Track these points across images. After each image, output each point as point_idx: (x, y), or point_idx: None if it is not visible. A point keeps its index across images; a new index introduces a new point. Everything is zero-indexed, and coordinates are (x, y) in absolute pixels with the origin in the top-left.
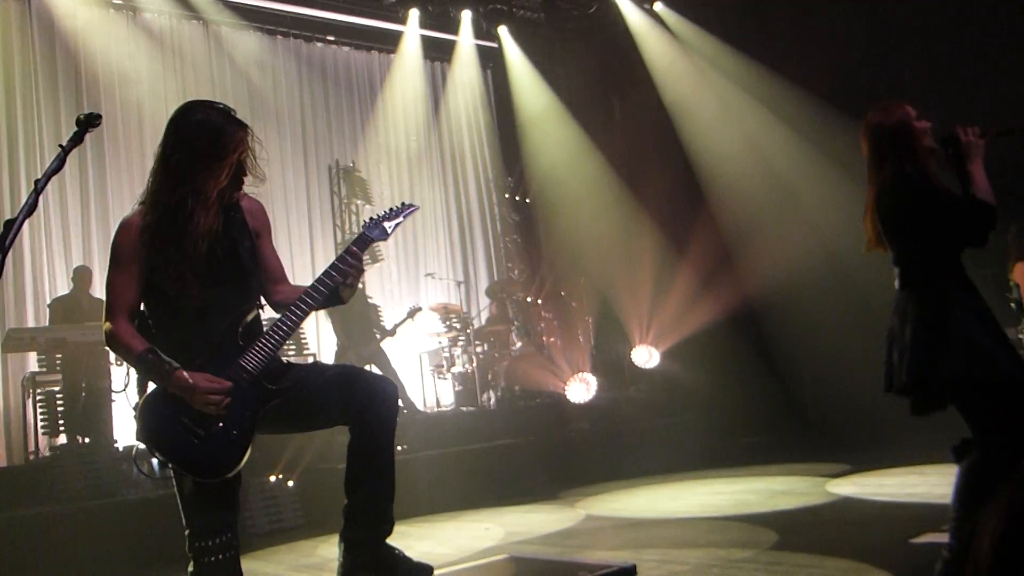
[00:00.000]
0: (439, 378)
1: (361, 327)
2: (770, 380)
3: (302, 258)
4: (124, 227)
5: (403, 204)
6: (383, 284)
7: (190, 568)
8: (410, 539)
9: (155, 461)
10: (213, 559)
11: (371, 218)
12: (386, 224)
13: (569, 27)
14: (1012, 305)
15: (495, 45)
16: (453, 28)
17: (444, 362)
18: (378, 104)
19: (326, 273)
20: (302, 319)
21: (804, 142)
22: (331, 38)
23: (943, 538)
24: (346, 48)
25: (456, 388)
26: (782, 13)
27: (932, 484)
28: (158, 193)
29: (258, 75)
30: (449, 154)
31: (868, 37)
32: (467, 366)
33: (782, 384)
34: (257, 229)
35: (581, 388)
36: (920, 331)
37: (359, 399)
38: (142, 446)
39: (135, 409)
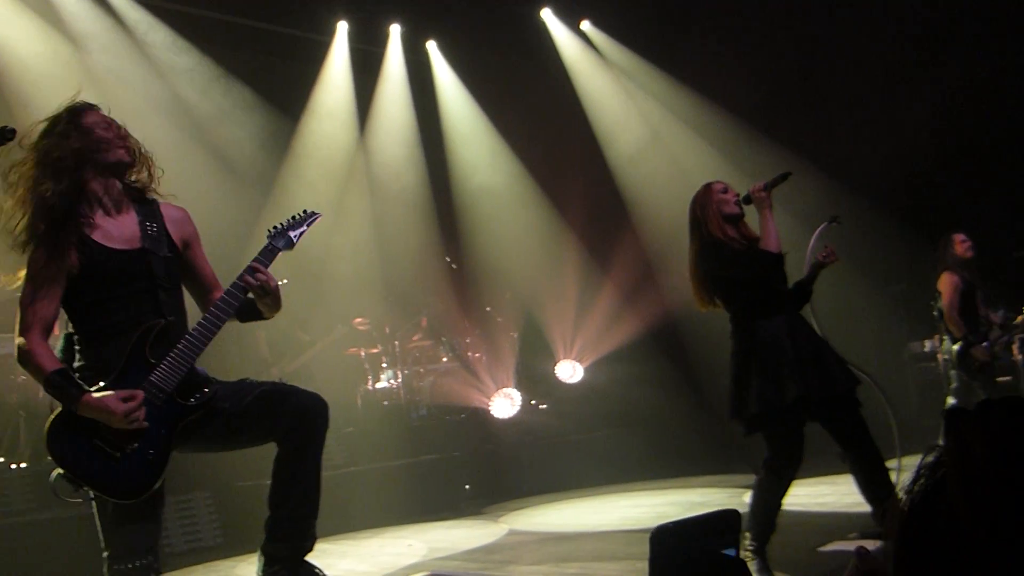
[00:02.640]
0: (363, 393)
1: (285, 344)
2: (690, 394)
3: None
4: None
5: (306, 212)
6: (309, 301)
7: None
8: (331, 557)
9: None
10: None
11: (275, 227)
12: (291, 234)
13: (497, 43)
14: (935, 313)
15: (423, 60)
16: (381, 42)
17: (369, 378)
18: (303, 118)
19: (234, 285)
20: (213, 333)
21: (725, 161)
22: (257, 47)
23: (849, 546)
24: (272, 59)
25: (382, 403)
26: (707, 35)
27: (842, 494)
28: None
29: (177, 83)
30: (375, 168)
31: (790, 58)
32: (392, 382)
33: (701, 398)
34: (184, 239)
35: (505, 403)
36: (733, 369)
37: (290, 415)
38: (59, 471)
39: (45, 433)
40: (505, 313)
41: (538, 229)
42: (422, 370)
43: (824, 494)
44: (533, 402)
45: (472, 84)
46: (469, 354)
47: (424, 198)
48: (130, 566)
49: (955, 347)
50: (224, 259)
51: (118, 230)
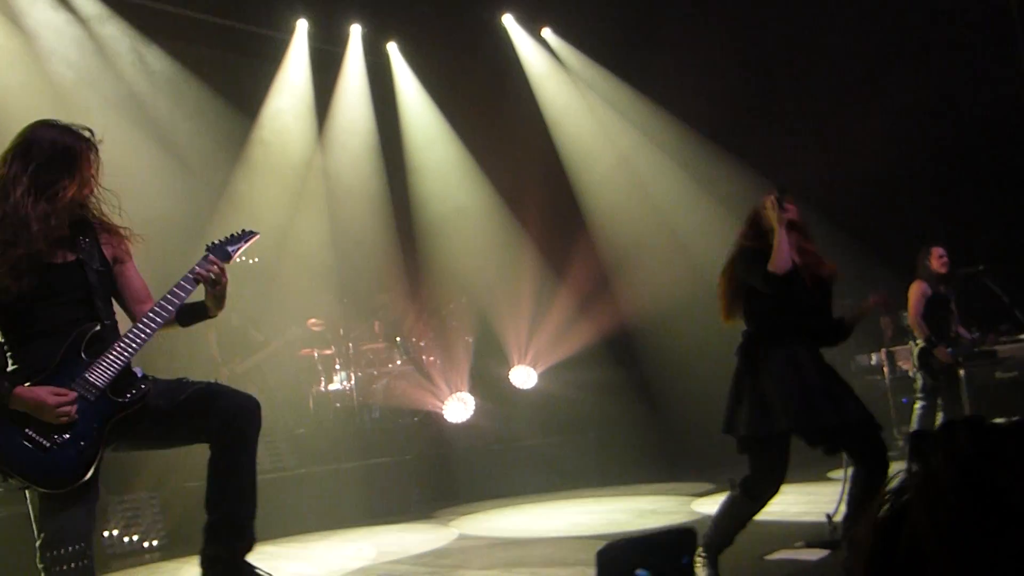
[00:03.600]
0: (315, 394)
1: (237, 344)
2: (642, 402)
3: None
4: None
5: (244, 231)
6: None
7: None
8: (279, 560)
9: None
10: (66, 567)
11: (213, 243)
12: (229, 248)
13: (458, 47)
14: (904, 324)
15: (383, 61)
16: (341, 42)
17: (322, 379)
18: (260, 117)
19: (179, 283)
20: (150, 334)
21: (681, 171)
22: (215, 43)
23: (795, 555)
24: (230, 55)
25: (335, 405)
26: (664, 46)
27: (788, 503)
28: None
29: (134, 78)
30: (332, 168)
31: (748, 73)
32: (345, 383)
33: (653, 406)
34: (115, 255)
35: (459, 407)
36: (732, 386)
37: (220, 415)
38: None
39: None
40: (460, 317)
41: (495, 235)
42: (376, 372)
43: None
44: (509, 408)
45: (432, 87)
46: (423, 357)
47: (381, 200)
48: (62, 552)
49: (917, 348)
50: (177, 256)
51: (57, 244)
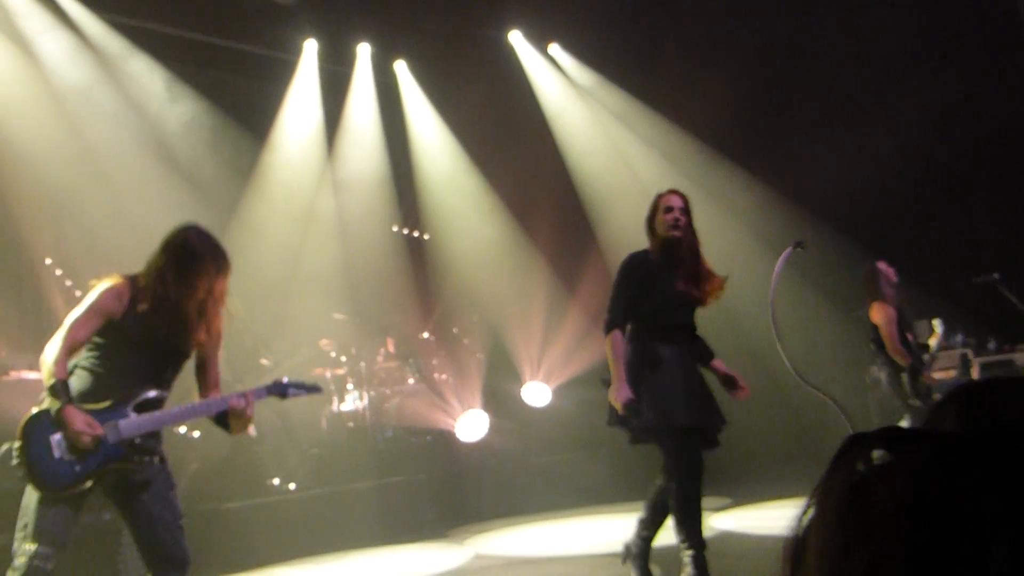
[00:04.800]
0: (328, 415)
1: (249, 365)
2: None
3: None
4: (114, 288)
5: (311, 385)
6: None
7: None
8: None
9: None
10: (29, 561)
11: (282, 381)
12: (290, 391)
13: (466, 65)
14: (871, 346)
15: (391, 80)
16: (349, 62)
17: (335, 399)
18: (270, 138)
19: (221, 399)
20: (185, 420)
21: (691, 184)
22: (222, 65)
23: None
24: (239, 77)
25: (348, 425)
26: (674, 62)
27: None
28: (156, 289)
29: (144, 100)
30: (343, 188)
31: (756, 86)
32: (357, 403)
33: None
34: (207, 344)
35: (472, 425)
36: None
37: (164, 557)
38: (13, 445)
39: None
40: (472, 335)
41: (506, 251)
42: (388, 391)
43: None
44: (523, 426)
45: (440, 105)
46: (436, 376)
47: (392, 218)
48: (34, 548)
49: (904, 376)
50: None
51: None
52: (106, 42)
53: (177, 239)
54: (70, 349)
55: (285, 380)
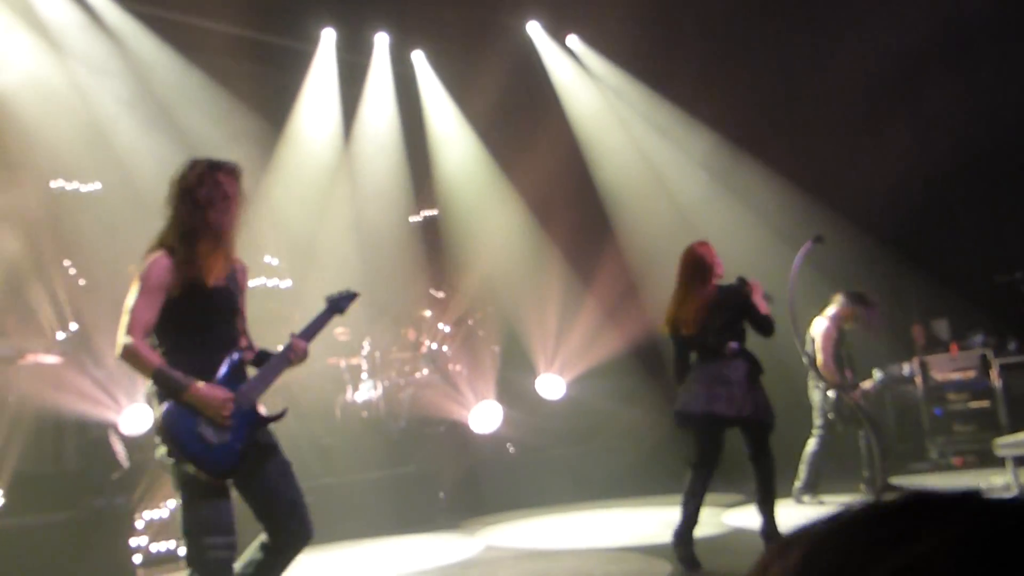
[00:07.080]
0: (342, 404)
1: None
2: (670, 411)
3: None
4: (157, 262)
5: (353, 292)
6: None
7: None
8: (305, 570)
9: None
10: (212, 556)
11: (331, 298)
12: (343, 303)
13: (483, 55)
14: (804, 360)
15: (410, 70)
16: (367, 51)
17: (348, 388)
18: (288, 127)
19: (295, 341)
20: (279, 373)
21: (709, 178)
22: (240, 55)
23: None
24: (257, 66)
25: (361, 415)
26: (691, 53)
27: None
28: (182, 228)
29: (164, 90)
30: (360, 178)
31: (776, 80)
32: (371, 393)
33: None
34: (243, 286)
35: (485, 417)
36: None
37: (296, 524)
38: (163, 449)
39: (159, 419)
40: (487, 326)
41: (521, 243)
42: (402, 382)
43: (809, 514)
44: (537, 418)
45: (458, 95)
46: (450, 367)
47: (408, 209)
48: (209, 541)
49: (830, 394)
50: None
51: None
52: (124, 30)
53: (175, 181)
54: (144, 335)
55: (337, 295)
